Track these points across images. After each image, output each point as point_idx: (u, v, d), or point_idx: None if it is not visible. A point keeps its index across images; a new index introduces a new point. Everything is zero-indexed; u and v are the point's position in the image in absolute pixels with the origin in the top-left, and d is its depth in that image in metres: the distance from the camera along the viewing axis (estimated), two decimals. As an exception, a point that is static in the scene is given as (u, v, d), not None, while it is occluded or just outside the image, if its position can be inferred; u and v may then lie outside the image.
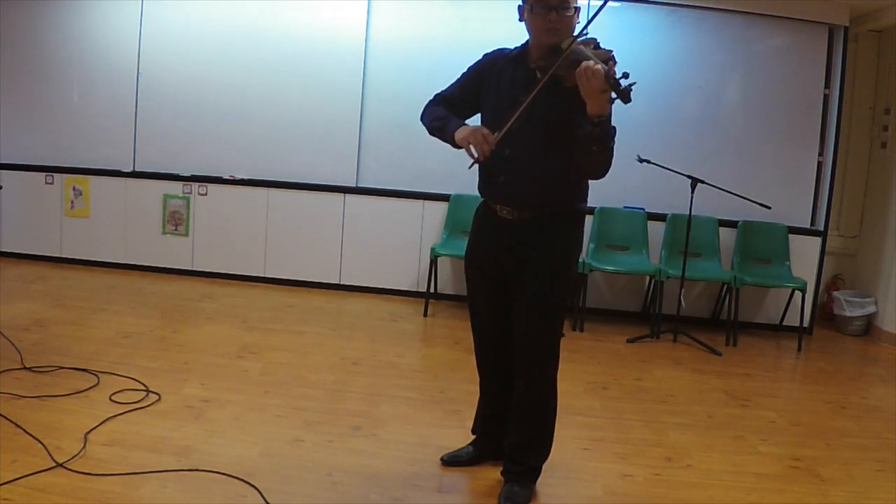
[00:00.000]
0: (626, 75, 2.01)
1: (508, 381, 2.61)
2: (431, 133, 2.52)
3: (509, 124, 2.26)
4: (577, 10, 2.28)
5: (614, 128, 2.18)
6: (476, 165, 2.37)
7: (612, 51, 2.17)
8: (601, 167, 2.24)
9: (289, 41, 5.39)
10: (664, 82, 5.27)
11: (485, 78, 2.46)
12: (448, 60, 5.07)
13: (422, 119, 2.55)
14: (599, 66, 2.02)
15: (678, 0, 5.15)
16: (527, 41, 2.41)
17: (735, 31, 5.24)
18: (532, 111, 2.30)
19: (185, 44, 5.44)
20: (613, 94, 2.04)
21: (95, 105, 5.57)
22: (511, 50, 2.46)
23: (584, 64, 2.04)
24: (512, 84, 2.36)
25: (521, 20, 2.35)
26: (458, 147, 2.36)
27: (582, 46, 2.16)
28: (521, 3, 2.33)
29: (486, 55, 2.52)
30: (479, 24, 5.22)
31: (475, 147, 2.26)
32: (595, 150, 2.16)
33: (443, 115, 2.47)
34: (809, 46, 5.24)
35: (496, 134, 2.26)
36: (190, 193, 5.55)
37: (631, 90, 2.00)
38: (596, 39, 2.23)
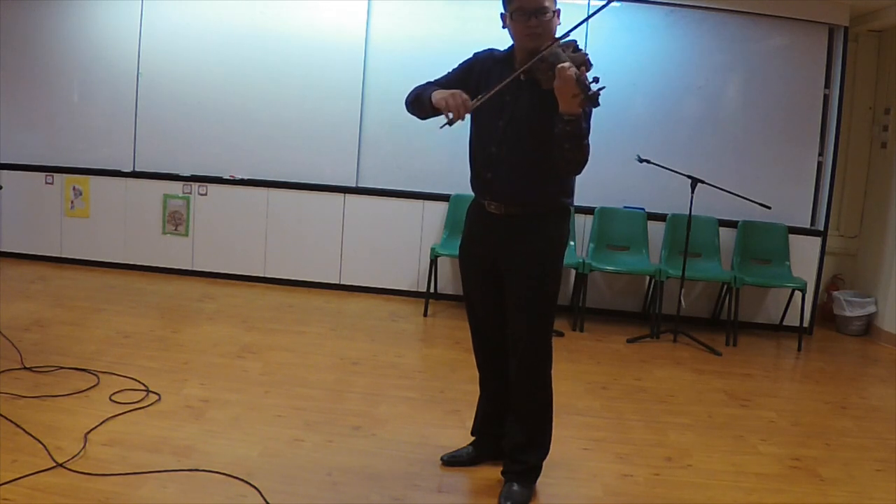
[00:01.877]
0: (595, 80, 2.10)
1: (507, 378, 2.62)
2: (410, 105, 2.52)
3: (484, 98, 2.31)
4: (557, 12, 2.33)
5: (587, 128, 2.23)
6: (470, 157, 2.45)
7: (587, 54, 2.22)
8: (575, 165, 2.28)
9: (289, 41, 5.39)
10: (664, 82, 5.27)
11: (473, 75, 2.50)
12: (448, 60, 5.05)
13: (406, 98, 2.55)
14: (572, 72, 2.08)
15: (678, 0, 5.16)
16: (512, 45, 2.46)
17: (735, 31, 5.24)
18: (516, 111, 2.38)
19: (185, 44, 5.44)
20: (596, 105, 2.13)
21: (95, 105, 5.57)
22: (499, 52, 2.51)
23: (560, 65, 2.11)
24: (499, 83, 2.37)
25: (504, 27, 2.41)
26: (435, 111, 2.37)
27: (560, 50, 2.22)
28: (502, 11, 2.38)
29: (476, 54, 2.56)
30: (478, 24, 5.21)
31: (452, 108, 2.26)
32: (567, 148, 2.22)
33: (425, 85, 2.50)
34: (809, 46, 5.24)
35: (474, 101, 2.29)
36: (190, 193, 5.55)
37: (599, 95, 2.09)
38: (575, 42, 2.28)
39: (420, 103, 2.46)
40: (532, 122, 2.35)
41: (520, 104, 2.38)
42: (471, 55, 2.57)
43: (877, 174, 5.59)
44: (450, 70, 2.59)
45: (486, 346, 2.68)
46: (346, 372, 3.75)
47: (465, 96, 2.28)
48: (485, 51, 2.55)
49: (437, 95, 2.34)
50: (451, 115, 2.27)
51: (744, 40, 5.26)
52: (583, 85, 2.07)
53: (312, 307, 5.05)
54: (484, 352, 2.70)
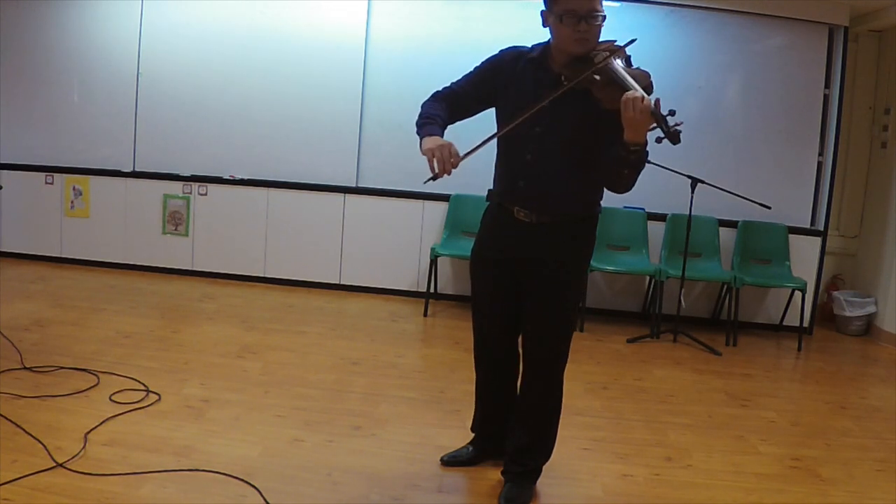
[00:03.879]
0: (672, 112, 1.96)
1: (508, 381, 2.61)
2: (416, 128, 2.35)
3: (503, 131, 2.25)
4: (604, 17, 2.23)
5: (647, 151, 2.13)
6: (508, 174, 2.30)
7: (649, 74, 2.11)
8: (628, 187, 2.23)
9: (289, 41, 5.39)
10: (664, 82, 5.14)
11: (502, 75, 2.38)
12: (448, 60, 5.14)
13: (421, 108, 2.42)
14: (648, 102, 1.96)
15: (678, 0, 5.16)
16: (546, 42, 2.35)
17: (735, 31, 5.24)
18: (556, 118, 2.27)
19: (185, 44, 5.44)
20: (661, 132, 1.99)
21: (95, 105, 5.57)
22: (529, 49, 2.39)
23: (631, 94, 1.99)
24: (536, 85, 2.29)
25: (544, 26, 2.28)
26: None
27: (615, 64, 2.09)
28: (544, 8, 2.26)
29: (503, 51, 2.42)
30: (478, 24, 5.21)
31: (437, 162, 2.15)
32: (626, 174, 2.15)
33: (431, 114, 2.34)
34: (809, 46, 5.24)
35: (464, 154, 2.17)
36: (190, 193, 5.55)
37: (680, 132, 1.94)
38: (625, 51, 2.18)
39: (419, 134, 2.29)
40: (573, 132, 2.26)
41: (560, 112, 2.25)
42: (497, 52, 2.43)
43: (877, 174, 5.59)
44: (472, 69, 2.45)
45: (491, 350, 2.64)
46: (346, 372, 3.75)
47: (454, 149, 2.15)
48: (512, 48, 2.42)
49: (426, 144, 2.19)
50: (436, 170, 2.14)
51: (744, 40, 5.25)
52: (658, 117, 1.93)
53: (312, 307, 5.04)
54: (488, 356, 2.67)
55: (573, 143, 2.28)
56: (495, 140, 2.36)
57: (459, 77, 2.48)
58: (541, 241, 2.39)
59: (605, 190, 2.42)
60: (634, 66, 2.19)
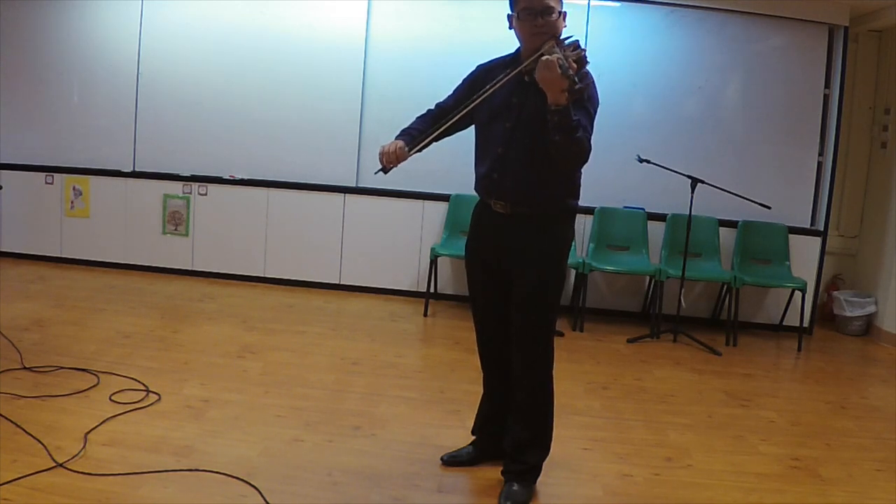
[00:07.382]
0: (581, 77, 2.17)
1: (509, 379, 2.62)
2: None
3: (440, 130, 2.47)
4: (563, 14, 2.36)
5: (578, 120, 2.23)
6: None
7: (584, 50, 2.26)
8: (570, 158, 2.30)
9: (289, 41, 5.39)
10: (664, 82, 5.27)
11: (478, 87, 2.50)
12: (448, 60, 5.14)
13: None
14: (555, 58, 2.12)
15: (678, 0, 5.16)
16: (519, 48, 2.48)
17: (735, 31, 5.24)
18: (524, 113, 2.40)
19: (185, 44, 5.44)
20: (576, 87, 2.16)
21: (95, 105, 5.57)
22: (501, 58, 2.54)
23: (545, 57, 2.16)
24: (503, 88, 2.41)
25: (510, 28, 2.44)
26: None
27: (558, 49, 2.24)
28: (509, 12, 2.42)
29: (479, 66, 2.60)
30: (478, 24, 5.22)
31: (384, 156, 2.46)
32: (558, 140, 2.24)
33: (407, 128, 2.60)
34: (809, 46, 5.24)
35: (411, 149, 2.46)
36: (190, 193, 5.55)
37: (581, 90, 2.15)
38: (577, 41, 2.30)
39: None
40: (539, 124, 2.34)
41: (527, 106, 2.39)
42: (474, 67, 2.60)
43: (877, 174, 5.59)
44: (457, 84, 2.63)
45: (489, 346, 2.68)
46: (346, 372, 3.75)
47: (400, 145, 2.45)
48: (488, 61, 2.58)
49: (382, 146, 2.49)
50: (383, 163, 2.44)
51: (744, 40, 5.25)
52: (567, 74, 2.09)
53: (312, 307, 5.04)
54: (486, 352, 2.71)
55: (539, 135, 2.35)
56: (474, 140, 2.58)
57: (458, 82, 2.65)
58: (518, 235, 2.47)
59: (581, 183, 2.52)
60: (584, 48, 2.31)
